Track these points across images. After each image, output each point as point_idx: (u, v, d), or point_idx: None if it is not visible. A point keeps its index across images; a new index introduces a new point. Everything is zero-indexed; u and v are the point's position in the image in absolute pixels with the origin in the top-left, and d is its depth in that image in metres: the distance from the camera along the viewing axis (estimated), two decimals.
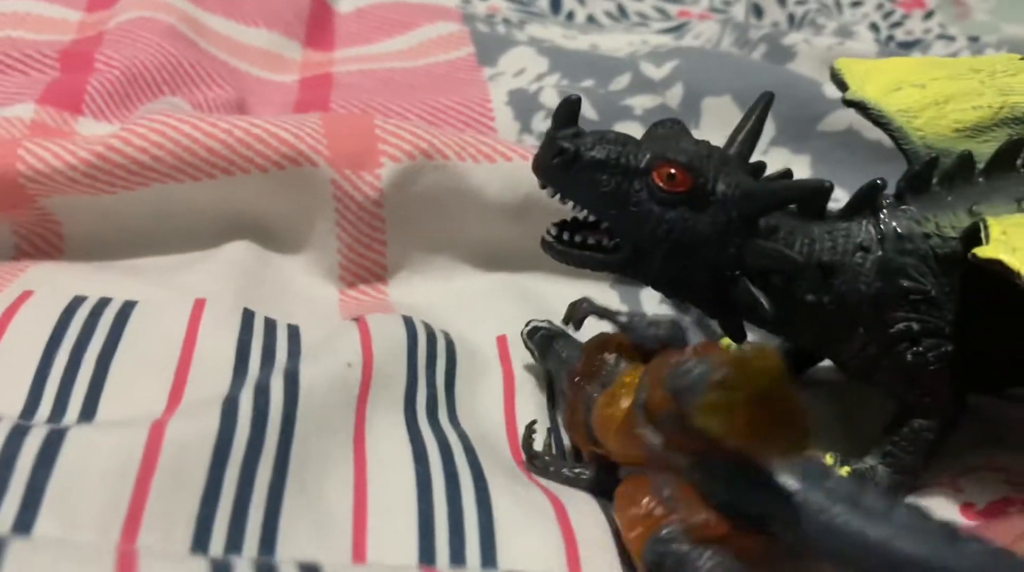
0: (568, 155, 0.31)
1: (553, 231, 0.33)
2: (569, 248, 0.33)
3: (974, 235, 0.30)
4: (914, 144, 0.35)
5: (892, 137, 0.35)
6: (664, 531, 0.26)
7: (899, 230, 0.33)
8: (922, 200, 0.33)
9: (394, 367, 0.32)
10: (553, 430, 0.35)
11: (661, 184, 0.31)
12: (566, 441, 0.34)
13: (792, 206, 0.33)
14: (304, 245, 0.42)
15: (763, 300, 0.32)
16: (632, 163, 0.31)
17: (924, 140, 0.35)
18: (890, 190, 0.34)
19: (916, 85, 0.35)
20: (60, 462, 0.24)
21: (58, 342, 0.32)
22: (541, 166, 0.32)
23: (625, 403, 0.29)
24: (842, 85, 0.37)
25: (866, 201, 0.33)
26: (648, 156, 0.31)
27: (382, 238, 0.42)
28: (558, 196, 0.32)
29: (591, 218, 0.32)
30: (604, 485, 0.31)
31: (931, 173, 0.33)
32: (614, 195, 0.31)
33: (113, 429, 0.26)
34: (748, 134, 0.34)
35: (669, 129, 0.32)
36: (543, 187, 0.32)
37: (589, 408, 0.30)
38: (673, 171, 0.30)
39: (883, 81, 0.36)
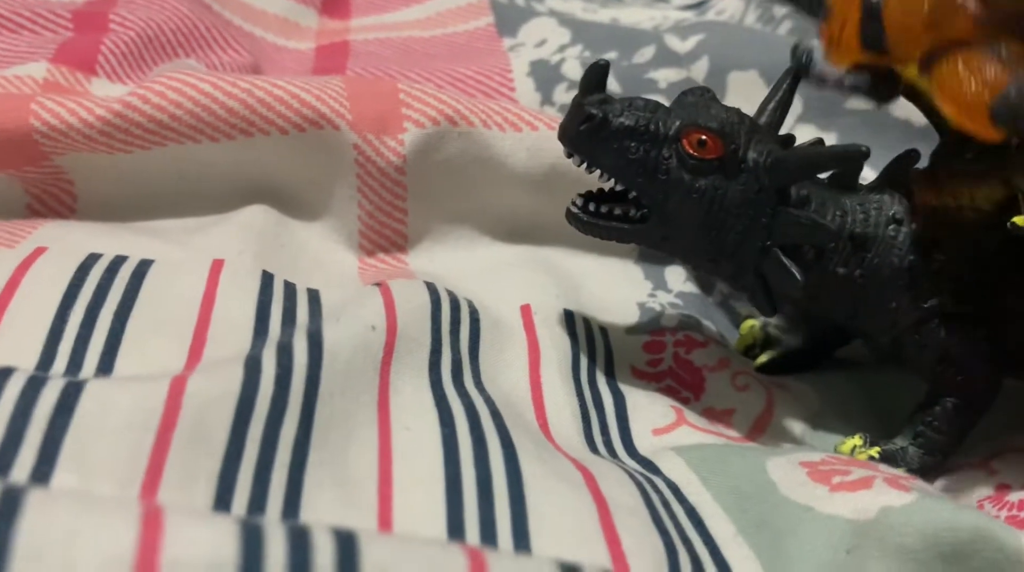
0: (596, 121, 0.30)
1: (579, 202, 0.32)
2: (596, 219, 0.32)
3: (1010, 206, 0.30)
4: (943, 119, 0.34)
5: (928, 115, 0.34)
6: (1013, 88, 0.25)
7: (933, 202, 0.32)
8: (956, 172, 0.32)
9: (418, 331, 0.31)
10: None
11: (691, 151, 0.30)
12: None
13: (823, 177, 0.32)
14: (323, 211, 0.41)
15: (795, 270, 0.31)
16: (661, 130, 0.30)
17: None
18: (923, 163, 0.33)
19: None
20: (78, 413, 0.23)
21: (73, 298, 0.31)
22: (568, 133, 0.31)
23: None
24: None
25: (899, 173, 0.33)
26: (678, 123, 0.30)
27: (403, 206, 0.41)
28: (584, 164, 0.31)
29: (618, 188, 0.32)
30: (883, 93, 0.31)
31: (965, 144, 0.32)
32: (643, 163, 0.30)
33: (133, 383, 0.25)
34: (778, 104, 0.33)
35: (699, 97, 0.32)
36: (569, 155, 0.32)
37: (873, 11, 0.29)
38: (704, 137, 0.30)
39: None
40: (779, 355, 0.39)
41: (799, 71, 0.33)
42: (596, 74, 0.30)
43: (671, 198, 0.31)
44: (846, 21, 0.30)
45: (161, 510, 0.19)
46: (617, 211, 0.32)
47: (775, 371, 0.39)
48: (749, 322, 0.40)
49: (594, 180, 0.32)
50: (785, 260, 0.31)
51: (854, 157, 0.30)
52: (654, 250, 0.33)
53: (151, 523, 0.18)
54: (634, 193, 0.31)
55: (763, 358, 0.39)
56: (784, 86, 0.33)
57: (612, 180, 0.31)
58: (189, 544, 0.18)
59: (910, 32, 0.28)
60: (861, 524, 0.26)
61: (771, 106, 0.33)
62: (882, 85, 0.32)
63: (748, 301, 0.34)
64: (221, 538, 0.18)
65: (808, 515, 0.27)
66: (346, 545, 0.19)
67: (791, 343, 0.39)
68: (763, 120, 0.32)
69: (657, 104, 0.31)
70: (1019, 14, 0.26)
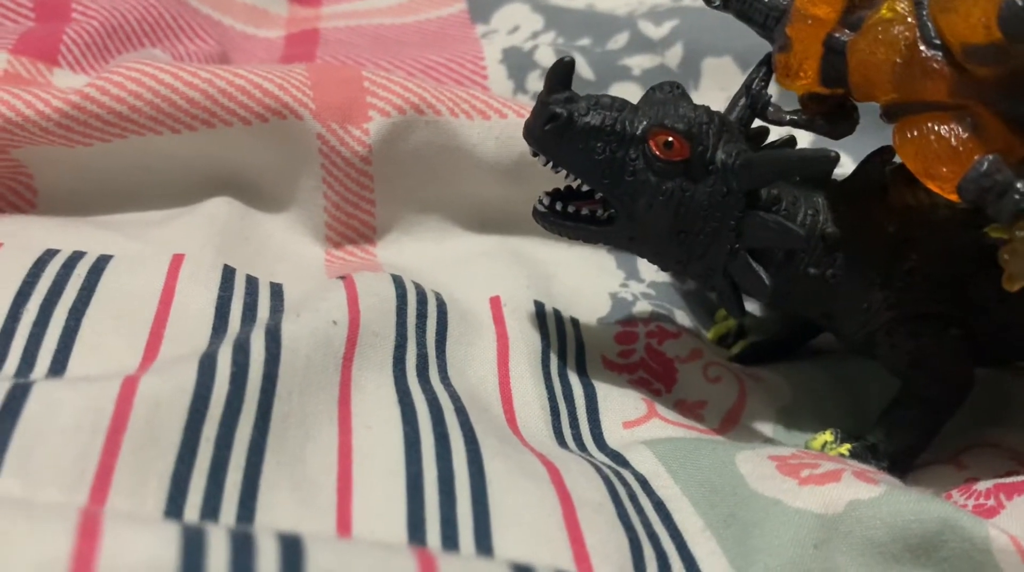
0: (561, 121, 0.29)
1: (545, 201, 0.32)
2: (562, 219, 0.32)
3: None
4: None
5: None
6: (984, 164, 0.25)
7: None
8: None
9: (382, 325, 0.31)
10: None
11: (658, 152, 0.29)
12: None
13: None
14: (289, 203, 0.40)
15: (763, 275, 0.31)
16: (628, 130, 0.30)
17: None
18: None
19: None
20: (24, 417, 0.23)
21: (27, 296, 0.30)
22: (533, 132, 0.30)
23: (897, 36, 0.27)
24: None
25: (874, 170, 0.32)
26: (644, 123, 0.30)
27: (370, 197, 0.40)
28: (550, 164, 0.31)
29: (584, 187, 0.31)
30: (840, 128, 0.31)
31: None
32: (609, 163, 0.30)
33: (82, 384, 0.24)
34: (750, 98, 0.32)
35: (667, 93, 0.31)
36: (535, 155, 0.31)
37: (837, 51, 0.28)
38: (671, 139, 0.29)
39: None
40: (752, 345, 0.38)
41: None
42: (561, 71, 0.30)
43: (638, 200, 0.30)
44: (808, 56, 0.30)
45: (99, 516, 0.18)
46: (584, 211, 0.31)
47: (749, 361, 0.38)
48: (722, 311, 0.40)
49: (562, 176, 0.31)
50: (753, 264, 0.31)
51: (823, 162, 0.29)
52: (622, 250, 0.33)
53: (88, 528, 0.18)
54: (600, 194, 0.31)
55: (737, 348, 0.39)
56: (757, 77, 0.33)
57: (578, 180, 0.31)
58: (127, 549, 0.18)
59: (876, 81, 0.28)
60: (829, 518, 0.26)
61: (743, 101, 0.32)
62: (839, 118, 0.31)
63: (717, 301, 0.33)
64: (161, 543, 0.18)
65: (776, 508, 0.27)
66: (291, 549, 0.19)
67: (765, 333, 0.39)
68: (734, 116, 0.32)
69: (624, 102, 0.31)
70: (992, 81, 0.26)
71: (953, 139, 0.26)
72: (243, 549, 0.18)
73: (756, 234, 0.31)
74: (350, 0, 0.60)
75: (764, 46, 0.40)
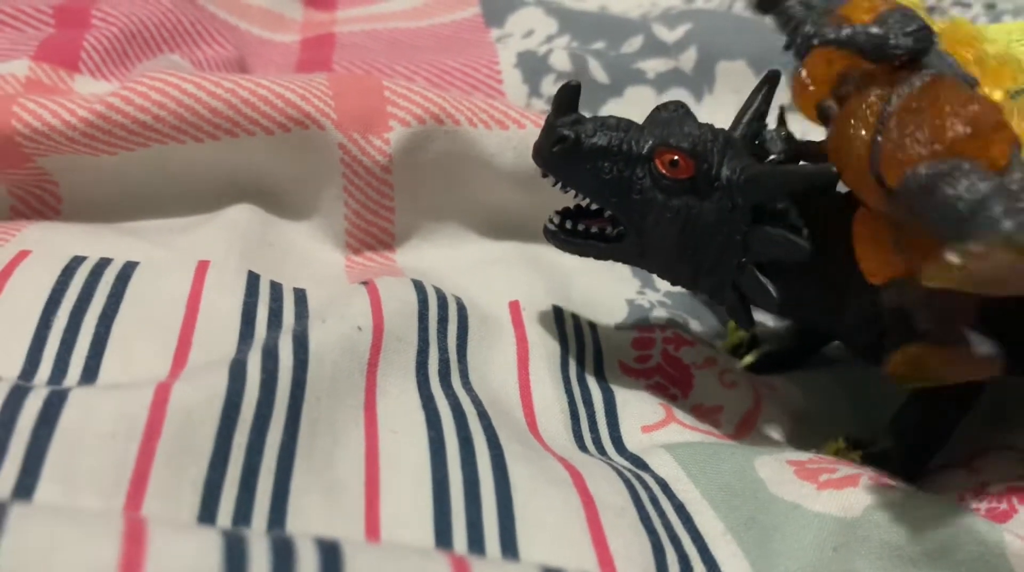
0: (568, 143, 0.30)
1: (556, 220, 0.33)
2: (572, 237, 0.33)
3: None
4: None
5: None
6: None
7: None
8: None
9: (405, 331, 0.31)
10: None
11: (664, 171, 0.30)
12: None
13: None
14: (310, 210, 0.41)
15: (770, 288, 0.31)
16: (634, 150, 0.30)
17: None
18: None
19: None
20: (62, 424, 0.23)
21: (57, 303, 0.31)
22: (541, 154, 0.31)
23: (856, 144, 0.27)
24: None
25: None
26: (650, 142, 0.30)
27: (390, 205, 0.41)
28: (559, 184, 0.32)
29: (594, 206, 0.32)
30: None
31: None
32: (616, 183, 0.31)
33: (116, 391, 0.25)
34: (754, 114, 0.33)
35: (672, 112, 0.32)
36: (544, 175, 0.32)
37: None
38: (676, 157, 0.30)
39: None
40: (765, 354, 0.39)
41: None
42: (568, 95, 0.31)
43: (646, 217, 0.31)
44: (821, 82, 0.30)
45: (144, 522, 0.19)
46: (594, 229, 0.32)
47: (762, 370, 0.39)
48: (732, 325, 0.40)
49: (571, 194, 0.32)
50: (760, 277, 0.31)
51: (825, 178, 0.30)
52: (633, 266, 0.34)
53: (134, 536, 0.18)
54: (609, 212, 0.32)
55: (749, 358, 0.39)
56: (760, 95, 0.33)
57: (587, 199, 0.32)
58: (173, 556, 0.18)
59: (840, 167, 0.28)
60: (848, 522, 0.27)
61: (747, 117, 0.33)
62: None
63: (727, 314, 0.34)
64: (205, 550, 0.18)
65: (796, 512, 0.27)
66: (330, 555, 0.19)
67: (777, 343, 0.39)
68: (739, 132, 0.32)
69: (630, 123, 0.31)
70: None
71: (891, 248, 0.27)
72: (284, 554, 0.19)
73: (763, 248, 0.31)
74: (365, 4, 0.60)
75: (778, 51, 0.40)
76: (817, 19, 0.31)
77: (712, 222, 0.30)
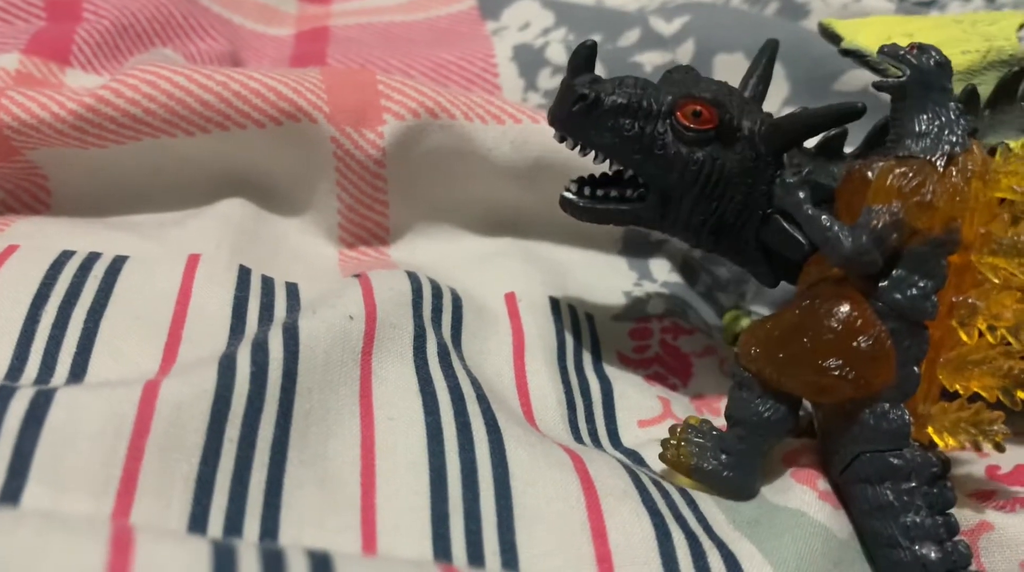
0: (588, 101, 0.30)
1: (572, 187, 0.32)
2: (592, 202, 0.32)
3: None
4: None
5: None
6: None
7: None
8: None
9: (399, 318, 0.31)
10: None
11: (687, 123, 0.30)
12: None
13: (809, 146, 0.32)
14: (303, 204, 0.40)
15: (798, 234, 0.31)
16: (655, 105, 0.30)
17: None
18: None
19: (905, 35, 0.36)
20: (49, 424, 0.23)
21: (45, 298, 0.30)
22: (559, 116, 0.31)
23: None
24: (834, 38, 0.37)
25: (881, 138, 0.33)
26: (670, 97, 0.30)
27: (384, 199, 0.40)
28: (578, 147, 0.31)
29: (613, 169, 0.32)
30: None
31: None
32: (639, 139, 0.30)
33: (104, 389, 0.24)
34: (760, 78, 0.33)
35: (685, 74, 0.32)
36: (561, 139, 0.31)
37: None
38: (699, 108, 0.30)
39: (873, 32, 0.36)
40: None
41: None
42: (584, 54, 0.30)
43: (670, 172, 0.30)
44: None
45: (132, 530, 0.18)
46: (613, 193, 0.32)
47: None
48: (732, 312, 0.40)
49: (582, 166, 0.31)
50: (787, 225, 0.31)
51: (850, 114, 0.30)
52: (653, 229, 0.33)
53: (121, 543, 0.18)
54: (630, 172, 0.31)
55: None
56: (763, 61, 0.33)
57: (607, 161, 0.31)
58: (159, 565, 0.18)
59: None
60: (841, 541, 0.27)
61: (752, 81, 0.33)
62: None
63: (751, 272, 0.34)
64: (192, 559, 0.18)
65: (803, 520, 0.27)
66: (320, 567, 0.19)
67: None
68: (747, 94, 0.32)
69: (647, 82, 0.31)
70: None
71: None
72: (273, 566, 0.18)
73: (787, 196, 0.31)
74: None
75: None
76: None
77: (737, 172, 0.30)
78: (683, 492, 0.28)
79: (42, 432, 0.23)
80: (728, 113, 0.30)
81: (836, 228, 0.27)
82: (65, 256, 0.32)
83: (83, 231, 0.36)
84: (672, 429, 0.29)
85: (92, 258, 0.33)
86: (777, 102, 0.49)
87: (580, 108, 0.30)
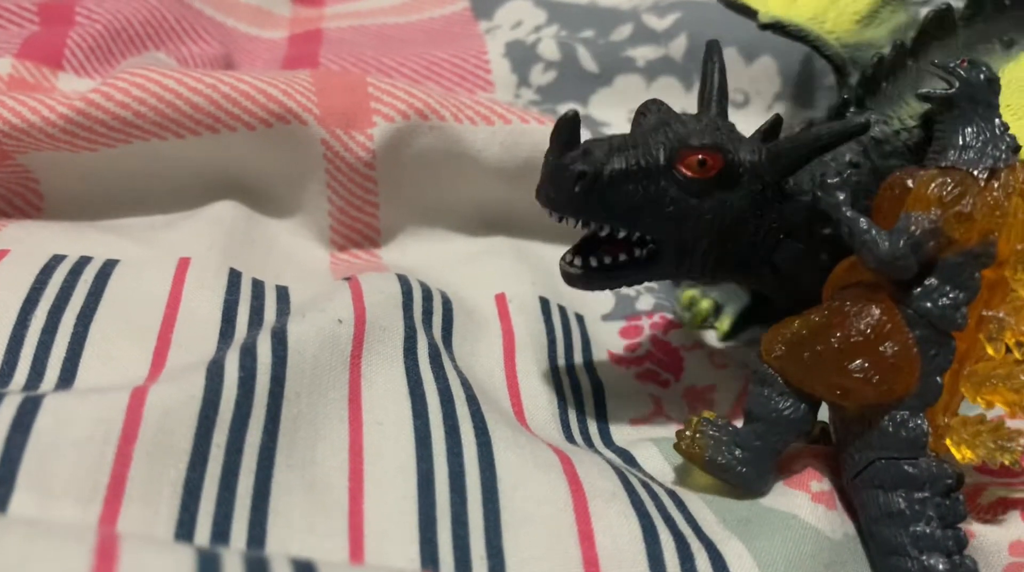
0: (589, 177, 0.28)
1: (577, 262, 0.30)
2: (603, 276, 0.30)
3: (931, 118, 0.31)
4: (832, 48, 0.36)
5: (814, 47, 0.37)
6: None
7: (875, 136, 0.32)
8: (878, 100, 0.34)
9: (389, 320, 0.31)
10: None
11: (690, 174, 0.28)
12: None
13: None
14: (293, 206, 0.40)
15: (817, 254, 0.31)
16: (652, 162, 0.28)
17: (839, 40, 0.36)
18: None
19: None
20: (36, 431, 0.23)
21: (35, 303, 0.30)
22: (560, 199, 0.28)
23: None
24: (746, 11, 0.37)
25: (837, 118, 0.33)
26: (664, 149, 0.28)
27: (374, 200, 0.40)
28: (584, 226, 0.29)
29: (620, 235, 0.29)
30: None
31: (880, 73, 0.34)
32: (645, 203, 0.28)
33: (92, 395, 0.24)
34: (719, 92, 0.32)
35: (656, 113, 0.30)
36: (560, 219, 0.29)
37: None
38: (702, 157, 0.28)
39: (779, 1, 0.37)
40: (737, 316, 0.39)
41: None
42: (568, 127, 0.28)
43: (682, 228, 0.29)
44: None
45: (117, 538, 0.18)
46: (622, 257, 0.30)
47: (739, 331, 0.39)
48: (689, 293, 0.39)
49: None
50: (801, 246, 0.31)
51: (855, 130, 0.29)
52: (666, 279, 0.32)
53: (105, 551, 0.18)
54: (637, 234, 0.29)
55: (725, 324, 0.39)
56: (715, 71, 0.32)
57: (608, 229, 0.29)
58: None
59: None
60: (835, 543, 0.27)
61: (714, 95, 0.31)
62: None
63: (767, 293, 0.33)
64: (177, 567, 0.18)
65: (795, 522, 0.27)
66: None
67: (739, 301, 0.39)
68: (713, 113, 0.31)
69: (625, 137, 0.29)
70: None
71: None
72: None
73: (797, 217, 0.31)
74: (353, 0, 0.60)
75: (767, 38, 0.40)
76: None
77: (746, 207, 0.30)
78: (671, 493, 0.28)
79: (29, 438, 0.23)
80: (730, 154, 0.29)
81: (874, 231, 0.27)
82: (55, 260, 0.32)
83: (74, 235, 0.36)
84: (689, 421, 0.29)
85: (83, 262, 0.33)
86: (767, 99, 0.49)
87: (582, 187, 0.28)
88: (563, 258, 0.30)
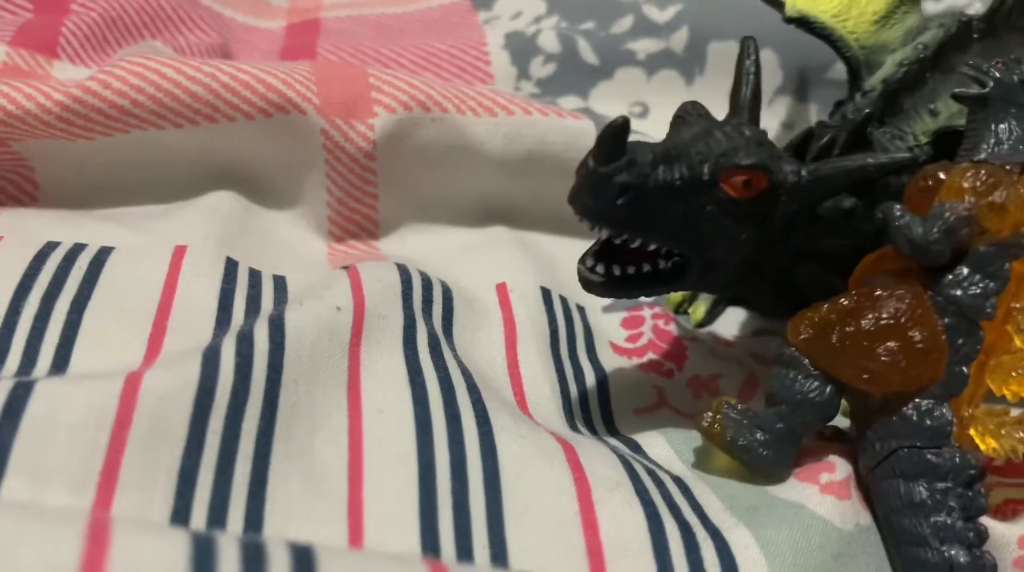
0: (633, 192, 0.26)
1: (600, 269, 0.28)
2: (630, 287, 0.29)
3: (941, 137, 0.32)
4: (852, 49, 0.36)
5: (835, 47, 0.36)
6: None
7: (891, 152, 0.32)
8: (896, 115, 0.33)
9: (388, 309, 0.31)
10: None
11: (734, 194, 0.27)
12: None
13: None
14: (292, 197, 0.40)
15: (833, 279, 0.30)
16: (696, 176, 0.27)
17: (858, 41, 0.36)
18: None
19: None
20: (28, 416, 0.22)
21: (28, 289, 0.30)
22: (600, 211, 0.26)
23: None
24: (775, 2, 0.37)
25: (857, 130, 0.33)
26: (708, 165, 0.27)
27: (374, 192, 0.40)
28: (621, 239, 0.27)
29: (652, 247, 0.28)
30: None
31: (901, 87, 0.34)
32: (686, 219, 0.27)
33: (85, 380, 0.24)
34: (753, 95, 0.31)
35: (696, 117, 0.29)
36: (592, 227, 0.27)
37: None
38: (747, 178, 0.27)
39: None
40: (710, 305, 0.38)
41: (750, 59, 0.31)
42: (616, 134, 0.26)
43: (717, 245, 0.28)
44: None
45: (109, 522, 0.18)
46: (646, 269, 0.28)
47: (717, 316, 0.39)
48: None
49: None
50: (820, 270, 0.31)
51: (899, 165, 0.29)
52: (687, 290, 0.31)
53: (97, 535, 0.17)
54: (666, 247, 0.28)
55: (701, 311, 0.38)
56: (752, 72, 0.31)
57: (639, 241, 0.28)
58: (136, 557, 0.17)
59: None
60: (845, 534, 0.26)
61: (748, 98, 0.30)
62: None
63: (773, 311, 0.33)
64: (171, 551, 0.18)
65: (803, 512, 0.26)
66: (302, 560, 0.18)
67: None
68: (745, 118, 0.30)
69: (668, 146, 0.27)
70: None
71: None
72: (254, 559, 0.18)
73: (830, 241, 0.30)
74: None
75: (770, 31, 0.40)
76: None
77: (780, 229, 0.29)
78: (678, 480, 0.28)
79: (21, 424, 0.22)
80: (774, 174, 0.28)
81: (908, 217, 0.27)
82: (49, 247, 0.32)
83: (69, 223, 0.35)
84: (710, 403, 0.29)
85: (77, 249, 0.32)
86: (767, 92, 0.49)
87: (625, 201, 0.26)
88: (582, 261, 0.29)
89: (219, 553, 0.18)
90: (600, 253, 0.28)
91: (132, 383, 0.24)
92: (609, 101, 0.49)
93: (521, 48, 0.50)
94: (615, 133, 0.26)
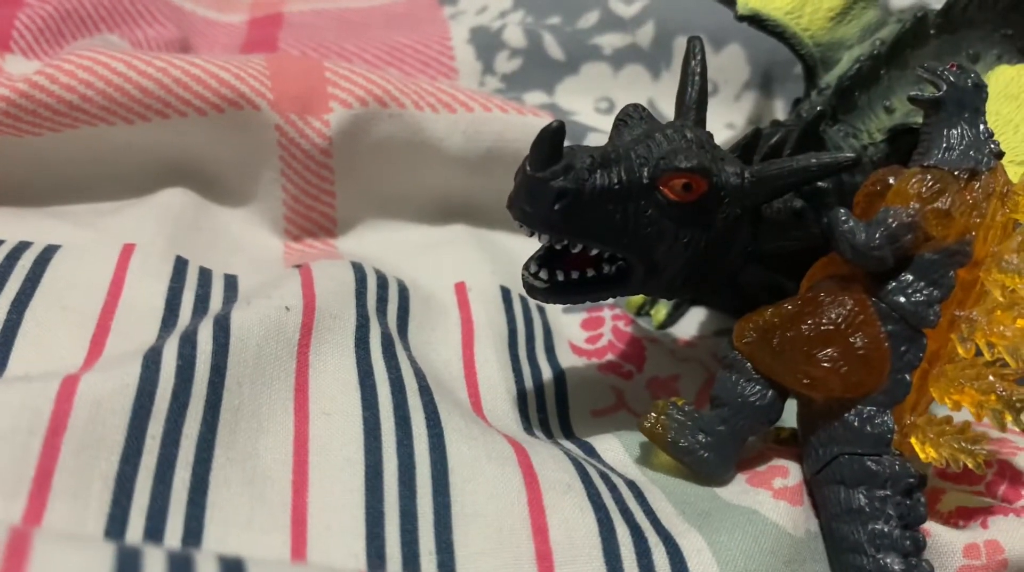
0: (570, 196, 0.26)
1: (543, 274, 0.28)
2: (572, 292, 0.28)
3: (897, 134, 0.32)
4: (807, 46, 0.36)
5: (788, 44, 0.36)
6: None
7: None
8: (850, 112, 0.33)
9: (341, 308, 0.30)
10: None
11: (674, 197, 0.27)
12: None
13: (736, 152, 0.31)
14: (246, 195, 0.39)
15: (778, 278, 0.31)
16: (635, 180, 0.27)
17: (813, 39, 0.36)
18: None
19: None
20: None
21: None
22: (538, 216, 0.26)
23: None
24: (728, 2, 0.37)
25: (809, 127, 0.33)
26: (647, 169, 0.27)
27: (331, 189, 0.39)
28: (556, 242, 0.27)
29: (593, 252, 0.28)
30: None
31: (855, 84, 0.33)
32: (625, 223, 0.27)
33: (19, 383, 0.23)
34: (699, 96, 0.30)
35: (638, 120, 0.29)
36: (531, 234, 0.27)
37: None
38: (687, 181, 0.27)
39: None
40: (671, 307, 0.38)
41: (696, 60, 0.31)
42: (552, 139, 0.25)
43: (657, 249, 0.28)
44: None
45: (29, 535, 0.17)
46: (590, 273, 0.28)
47: (678, 318, 0.39)
48: None
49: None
50: (764, 272, 0.31)
51: (842, 166, 0.29)
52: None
53: (16, 549, 0.17)
54: (608, 251, 0.28)
55: (662, 313, 0.38)
56: (698, 71, 0.30)
57: (580, 246, 0.27)
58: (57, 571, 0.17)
59: None
60: (796, 539, 0.26)
61: (694, 96, 0.30)
62: None
63: (724, 310, 0.33)
64: (93, 565, 0.17)
65: (756, 517, 0.26)
66: None
67: None
68: (692, 118, 0.30)
69: (607, 150, 0.27)
70: None
71: None
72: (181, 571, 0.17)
73: (772, 242, 0.30)
74: None
75: (737, 26, 0.39)
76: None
77: (723, 231, 0.29)
78: (631, 484, 0.27)
79: None
80: (715, 176, 0.27)
81: (852, 222, 0.27)
82: None
83: (14, 221, 0.35)
84: (655, 404, 0.28)
85: (21, 247, 0.31)
86: (736, 88, 0.49)
87: (562, 206, 0.26)
88: (526, 267, 0.28)
89: (144, 566, 0.17)
90: (544, 258, 0.28)
91: (68, 386, 0.23)
92: (575, 96, 0.49)
93: (486, 43, 0.49)
94: (551, 137, 0.25)
